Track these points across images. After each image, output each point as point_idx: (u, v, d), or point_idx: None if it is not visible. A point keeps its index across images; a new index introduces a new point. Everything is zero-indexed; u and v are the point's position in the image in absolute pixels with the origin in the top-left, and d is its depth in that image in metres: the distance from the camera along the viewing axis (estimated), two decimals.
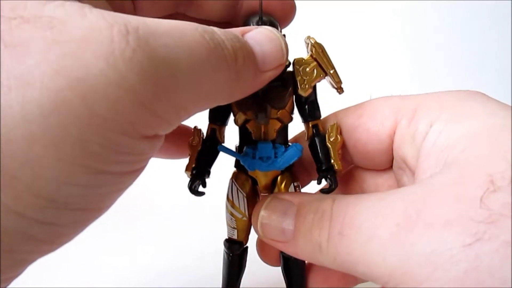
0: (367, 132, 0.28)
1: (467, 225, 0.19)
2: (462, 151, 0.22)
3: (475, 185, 0.20)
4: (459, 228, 0.19)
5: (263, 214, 0.27)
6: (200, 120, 0.31)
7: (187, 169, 0.29)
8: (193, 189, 0.29)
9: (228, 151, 0.28)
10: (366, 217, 0.22)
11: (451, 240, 0.19)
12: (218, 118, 0.30)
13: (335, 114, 0.30)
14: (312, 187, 0.31)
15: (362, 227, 0.22)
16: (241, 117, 0.28)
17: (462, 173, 0.21)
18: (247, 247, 0.32)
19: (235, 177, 0.30)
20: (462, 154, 0.22)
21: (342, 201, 0.24)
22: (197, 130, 0.30)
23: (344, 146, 0.29)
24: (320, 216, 0.24)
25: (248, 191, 0.30)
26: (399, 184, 0.29)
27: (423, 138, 0.25)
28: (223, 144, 0.30)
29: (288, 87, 0.28)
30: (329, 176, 0.28)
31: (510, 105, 0.24)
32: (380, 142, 0.28)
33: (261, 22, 0.27)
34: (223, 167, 0.30)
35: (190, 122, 0.31)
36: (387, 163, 0.29)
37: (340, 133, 0.29)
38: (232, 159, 0.30)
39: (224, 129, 0.30)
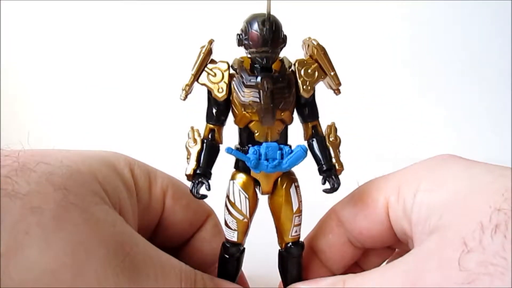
0: (366, 218, 0.30)
1: None
2: (439, 218, 0.25)
3: (452, 249, 0.22)
4: None
5: None
6: (195, 120, 0.30)
7: (188, 171, 0.28)
8: (197, 193, 0.28)
9: (235, 153, 0.28)
10: None
11: None
12: (218, 118, 0.29)
13: (332, 209, 0.32)
14: (313, 185, 0.31)
15: None
16: (245, 118, 0.28)
17: (441, 239, 0.24)
18: (244, 248, 0.31)
19: (236, 179, 0.29)
20: (440, 222, 0.25)
21: (351, 282, 0.27)
22: (195, 131, 0.29)
23: (352, 235, 0.31)
24: None
25: (251, 192, 0.29)
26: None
27: (411, 210, 0.28)
28: (221, 144, 0.29)
29: (292, 88, 0.28)
30: (332, 176, 0.28)
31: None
32: (381, 223, 0.30)
33: (268, 22, 0.26)
34: (221, 168, 0.30)
35: (186, 121, 0.30)
36: (395, 237, 0.31)
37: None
38: (230, 160, 0.30)
39: (223, 129, 0.30)
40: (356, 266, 0.34)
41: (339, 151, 0.30)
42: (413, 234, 0.27)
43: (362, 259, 0.33)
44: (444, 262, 0.22)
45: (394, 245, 0.32)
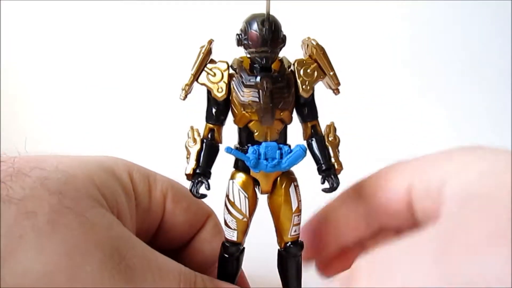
0: (387, 194, 0.30)
1: (505, 240, 0.19)
2: (469, 195, 0.23)
3: (502, 206, 0.20)
4: (501, 244, 0.19)
5: None
6: (195, 120, 0.30)
7: (188, 170, 0.28)
8: (196, 192, 0.28)
9: (235, 152, 0.28)
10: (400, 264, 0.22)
11: (494, 260, 0.18)
12: (217, 118, 0.29)
13: (354, 184, 0.32)
14: (312, 185, 0.31)
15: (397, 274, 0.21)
16: (244, 118, 0.28)
17: (483, 204, 0.21)
18: (244, 248, 0.31)
19: (236, 178, 0.30)
20: (470, 198, 0.23)
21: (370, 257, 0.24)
22: (194, 130, 0.29)
23: (371, 210, 0.31)
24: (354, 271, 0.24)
25: (251, 192, 0.29)
26: None
27: (437, 190, 0.26)
28: (220, 144, 0.29)
29: (291, 88, 0.28)
30: (331, 175, 0.29)
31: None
32: (401, 202, 0.29)
33: (267, 22, 0.27)
34: (221, 168, 0.30)
35: (186, 121, 0.30)
36: (410, 219, 0.30)
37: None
38: (230, 160, 0.30)
39: (222, 129, 0.30)
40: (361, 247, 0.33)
41: (338, 150, 0.30)
42: (438, 213, 0.25)
43: (369, 242, 0.33)
44: (492, 217, 0.20)
45: (408, 229, 0.30)
